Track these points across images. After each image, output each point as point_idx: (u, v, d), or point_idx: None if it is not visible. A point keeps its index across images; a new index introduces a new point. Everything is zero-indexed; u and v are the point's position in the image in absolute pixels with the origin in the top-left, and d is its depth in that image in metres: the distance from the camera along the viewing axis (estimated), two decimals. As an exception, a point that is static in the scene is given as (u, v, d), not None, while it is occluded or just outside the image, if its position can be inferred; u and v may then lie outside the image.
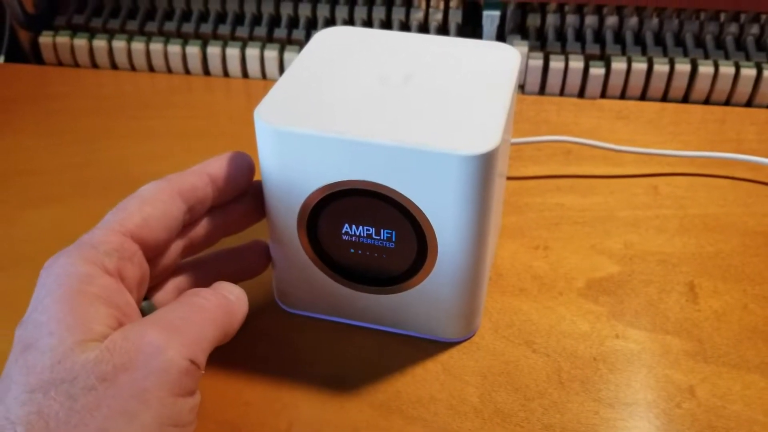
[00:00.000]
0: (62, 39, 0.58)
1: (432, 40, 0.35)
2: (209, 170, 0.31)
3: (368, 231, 0.31)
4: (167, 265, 0.31)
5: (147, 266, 0.29)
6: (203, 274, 0.33)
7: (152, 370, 0.23)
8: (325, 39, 0.35)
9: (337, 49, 0.34)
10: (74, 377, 0.22)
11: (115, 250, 0.26)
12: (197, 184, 0.30)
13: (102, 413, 0.22)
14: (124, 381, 0.23)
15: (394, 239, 0.31)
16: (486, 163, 0.28)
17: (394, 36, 0.36)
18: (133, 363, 0.23)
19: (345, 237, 0.32)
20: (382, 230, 0.31)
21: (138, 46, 0.57)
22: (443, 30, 0.57)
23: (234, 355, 0.34)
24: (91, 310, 0.24)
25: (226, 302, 0.28)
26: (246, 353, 0.34)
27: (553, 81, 0.54)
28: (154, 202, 0.29)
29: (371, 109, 0.30)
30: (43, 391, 0.22)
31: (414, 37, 0.36)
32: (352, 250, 0.32)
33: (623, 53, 0.54)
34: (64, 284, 0.25)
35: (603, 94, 0.54)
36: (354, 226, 0.31)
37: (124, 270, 0.27)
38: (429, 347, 0.34)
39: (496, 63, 0.33)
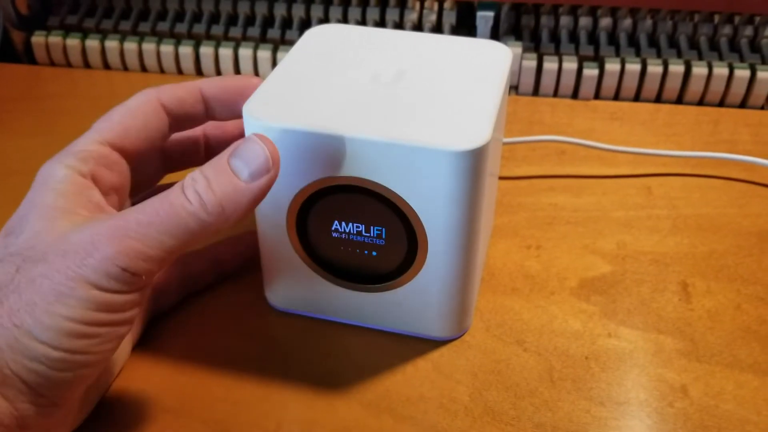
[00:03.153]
0: (55, 39, 0.58)
1: (423, 37, 0.35)
2: (203, 86, 0.32)
3: (358, 228, 0.31)
4: (153, 172, 0.34)
5: (128, 174, 0.30)
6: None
7: (86, 265, 0.25)
8: (317, 36, 0.35)
9: (329, 45, 0.34)
10: (25, 253, 0.25)
11: (91, 158, 0.28)
12: (185, 98, 0.31)
13: (37, 284, 0.25)
14: (62, 264, 0.25)
15: (384, 236, 0.31)
16: (476, 159, 0.28)
17: (386, 33, 0.36)
18: (73, 253, 0.25)
19: (335, 234, 0.31)
20: (372, 227, 0.31)
21: (130, 46, 0.57)
22: (437, 31, 0.57)
23: (222, 353, 0.34)
24: (61, 200, 0.27)
25: (187, 210, 0.26)
26: (235, 352, 0.34)
27: (547, 82, 0.54)
28: (137, 113, 0.30)
29: (361, 106, 0.30)
30: (5, 261, 0.26)
31: (405, 35, 0.35)
32: (342, 248, 0.32)
33: (617, 54, 0.54)
34: (44, 183, 0.28)
35: (597, 95, 0.54)
36: (344, 223, 0.31)
37: (99, 174, 0.29)
38: (419, 346, 0.34)
39: (487, 60, 0.33)
